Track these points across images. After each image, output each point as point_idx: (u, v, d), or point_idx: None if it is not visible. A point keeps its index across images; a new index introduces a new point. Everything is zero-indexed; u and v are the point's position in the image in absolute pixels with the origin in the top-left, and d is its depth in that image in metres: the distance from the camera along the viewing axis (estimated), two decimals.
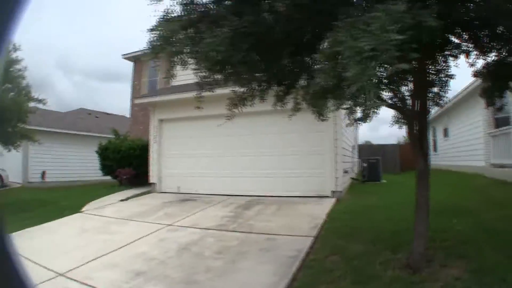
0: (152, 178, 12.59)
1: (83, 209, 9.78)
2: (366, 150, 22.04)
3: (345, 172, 10.58)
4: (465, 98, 14.65)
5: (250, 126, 10.52)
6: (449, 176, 14.78)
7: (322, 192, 9.72)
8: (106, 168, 14.67)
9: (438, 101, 5.24)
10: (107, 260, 5.40)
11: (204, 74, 4.51)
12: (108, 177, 15.09)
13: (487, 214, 6.58)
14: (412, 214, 6.96)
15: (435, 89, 5.05)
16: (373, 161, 14.55)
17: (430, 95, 5.10)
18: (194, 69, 4.43)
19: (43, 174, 16.96)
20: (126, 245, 6.11)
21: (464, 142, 15.26)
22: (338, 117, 9.19)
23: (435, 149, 21.17)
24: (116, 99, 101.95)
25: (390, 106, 5.02)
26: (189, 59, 4.32)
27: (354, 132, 17.46)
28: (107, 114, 25.86)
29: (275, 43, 4.00)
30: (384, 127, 51.98)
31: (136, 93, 17.70)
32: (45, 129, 16.76)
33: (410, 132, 4.86)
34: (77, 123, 19.20)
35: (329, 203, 8.75)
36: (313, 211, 8.04)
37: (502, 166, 10.67)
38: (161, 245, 6.09)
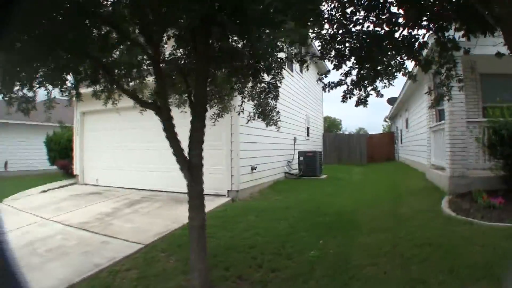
0: (76, 170, 12.14)
1: (6, 199, 9.63)
2: (331, 140, 20.70)
3: (253, 169, 9.45)
4: (413, 88, 13.08)
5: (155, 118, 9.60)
6: (398, 174, 13.51)
7: (219, 191, 8.77)
8: (50, 159, 14.72)
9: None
10: None
11: None
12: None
13: (365, 238, 5.36)
14: (299, 222, 6.33)
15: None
16: (310, 154, 13.11)
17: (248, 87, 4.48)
18: None
19: (5, 164, 16.52)
20: None
21: (417, 136, 13.62)
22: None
23: (401, 141, 19.65)
24: None
25: (140, 103, 4.06)
26: None
27: (305, 121, 16.23)
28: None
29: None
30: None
31: None
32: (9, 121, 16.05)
33: (169, 136, 3.85)
34: (40, 114, 18.21)
35: (215, 205, 7.84)
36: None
37: (440, 168, 9.04)
38: (20, 238, 5.84)
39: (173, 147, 3.80)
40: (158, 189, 9.56)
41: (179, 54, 4.33)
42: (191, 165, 3.74)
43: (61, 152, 13.85)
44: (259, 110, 4.86)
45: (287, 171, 12.73)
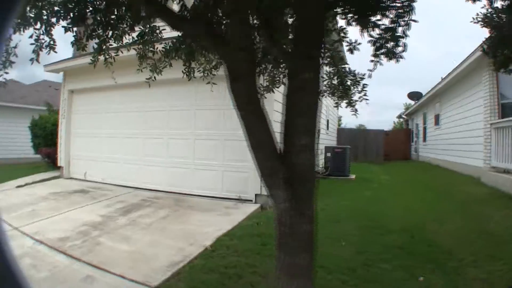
0: (60, 161, 9.64)
1: None
2: (346, 135, 18.34)
3: None
4: (460, 77, 11.02)
5: (163, 98, 7.39)
6: (435, 175, 11.33)
7: (244, 194, 6.49)
8: (35, 146, 12.19)
9: None
10: None
11: None
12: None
13: (475, 271, 3.44)
14: (365, 245, 4.34)
15: None
16: (339, 150, 10.78)
17: None
18: None
19: None
20: None
21: (458, 134, 11.49)
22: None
23: (424, 139, 17.50)
24: None
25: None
26: None
27: (325, 112, 13.90)
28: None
29: None
30: (386, 113, 48.61)
31: None
32: None
33: (250, 110, 1.88)
34: (30, 96, 15.78)
35: (242, 214, 5.65)
36: (207, 227, 4.96)
37: (508, 171, 7.23)
38: None
39: (251, 129, 1.77)
40: (162, 189, 7.33)
41: None
42: (295, 171, 1.65)
43: (46, 138, 11.54)
44: (338, 80, 3.12)
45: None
